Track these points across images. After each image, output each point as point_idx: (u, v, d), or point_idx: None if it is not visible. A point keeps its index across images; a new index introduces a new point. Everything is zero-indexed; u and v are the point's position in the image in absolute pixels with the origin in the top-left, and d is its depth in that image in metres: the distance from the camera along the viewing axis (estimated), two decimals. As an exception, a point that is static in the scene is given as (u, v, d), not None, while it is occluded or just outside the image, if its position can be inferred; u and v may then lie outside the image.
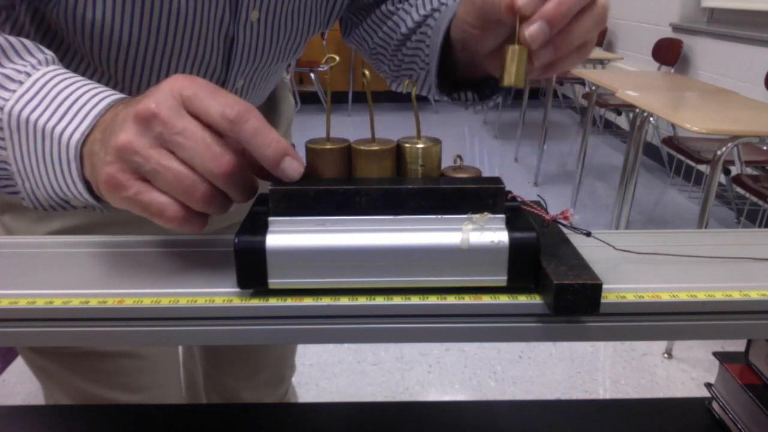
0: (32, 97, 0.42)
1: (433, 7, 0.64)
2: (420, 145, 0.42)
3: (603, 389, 1.83)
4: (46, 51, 0.46)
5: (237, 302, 0.38)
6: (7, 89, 0.43)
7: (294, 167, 0.38)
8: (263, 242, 0.38)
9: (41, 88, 0.42)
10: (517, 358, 1.95)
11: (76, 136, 0.40)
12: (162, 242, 0.49)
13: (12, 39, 0.45)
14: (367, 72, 0.43)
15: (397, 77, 0.71)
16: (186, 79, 0.38)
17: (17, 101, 0.42)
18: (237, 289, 0.39)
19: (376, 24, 0.69)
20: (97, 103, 0.41)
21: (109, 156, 0.38)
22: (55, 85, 0.43)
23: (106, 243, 0.48)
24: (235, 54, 0.59)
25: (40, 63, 0.45)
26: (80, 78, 0.44)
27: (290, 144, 0.39)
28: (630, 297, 0.38)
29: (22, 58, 0.44)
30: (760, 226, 2.78)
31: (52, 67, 0.44)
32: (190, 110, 0.37)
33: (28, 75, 0.43)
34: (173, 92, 0.37)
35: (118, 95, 0.43)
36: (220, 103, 0.37)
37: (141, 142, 0.37)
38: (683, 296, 0.39)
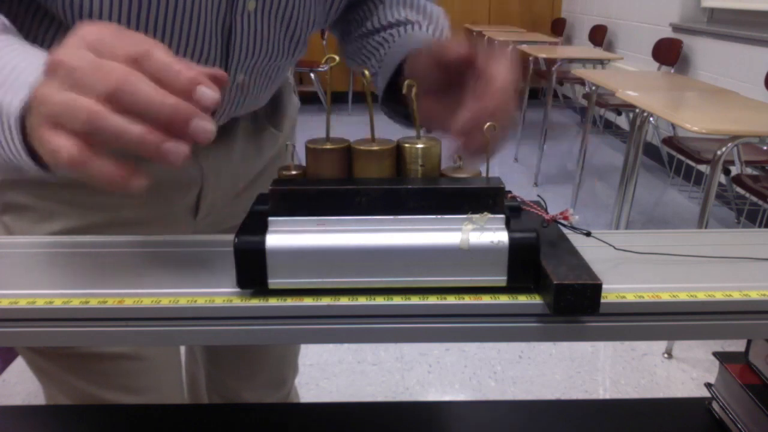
0: None
1: (400, 19, 0.66)
2: (420, 145, 0.42)
3: (603, 389, 1.83)
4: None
5: (237, 302, 0.38)
6: None
7: (208, 95, 0.36)
8: (263, 242, 0.38)
9: None
10: (517, 358, 1.95)
11: (15, 103, 0.40)
12: (162, 242, 0.49)
13: None
14: (367, 72, 0.43)
15: (352, 59, 0.72)
16: (92, 25, 0.37)
17: None
18: (237, 289, 0.39)
19: (352, 7, 0.70)
20: (34, 69, 0.41)
21: (34, 117, 0.37)
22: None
23: (106, 243, 0.48)
24: (233, 46, 0.59)
25: None
26: (19, 45, 0.43)
27: (202, 73, 0.36)
28: (630, 297, 0.38)
29: None
30: (760, 226, 2.78)
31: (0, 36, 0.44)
32: (93, 51, 0.36)
33: None
34: (77, 39, 0.36)
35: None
36: (123, 43, 0.36)
37: (48, 89, 0.36)
38: (683, 296, 0.39)
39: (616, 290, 0.39)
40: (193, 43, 0.57)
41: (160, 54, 0.36)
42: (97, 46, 0.36)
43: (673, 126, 3.05)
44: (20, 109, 0.39)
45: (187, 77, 0.35)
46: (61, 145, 0.35)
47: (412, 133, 0.44)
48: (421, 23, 0.66)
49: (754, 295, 0.39)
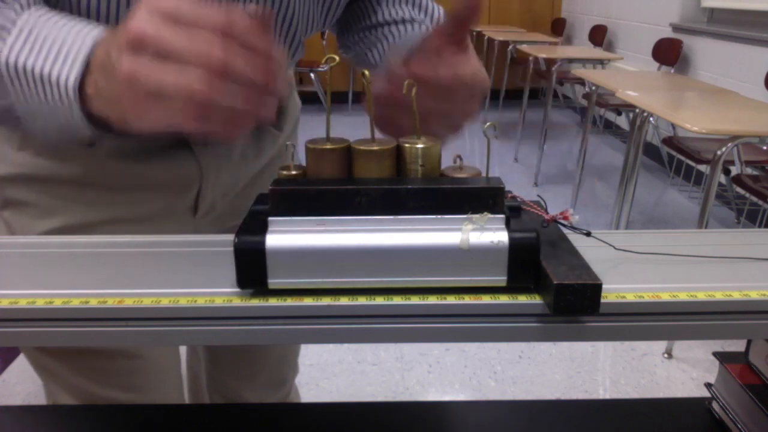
0: (23, 45, 0.44)
1: (404, 17, 0.67)
2: (420, 145, 0.42)
3: (603, 389, 1.83)
4: None
5: (237, 302, 0.38)
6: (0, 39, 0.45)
7: (281, 59, 0.40)
8: (263, 242, 0.38)
9: (29, 34, 0.45)
10: (517, 358, 1.95)
11: (72, 79, 0.43)
12: (162, 242, 0.49)
13: None
14: (366, 72, 0.43)
15: (348, 49, 0.73)
16: None
17: (10, 50, 0.44)
18: (237, 289, 0.39)
19: (352, 2, 0.71)
20: (83, 41, 0.44)
21: (123, 89, 0.39)
22: (41, 28, 0.45)
23: (106, 243, 0.48)
24: None
25: (21, 7, 0.46)
26: (62, 17, 0.46)
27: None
28: (630, 297, 0.38)
29: (4, 2, 0.46)
30: (760, 226, 2.78)
31: (33, 9, 0.46)
32: (176, 24, 0.38)
33: (14, 22, 0.45)
34: (151, 10, 0.38)
35: (98, 30, 0.45)
36: (203, 13, 0.38)
37: (140, 64, 0.37)
38: (683, 296, 0.39)
39: (616, 290, 0.39)
40: None
41: (241, 21, 0.38)
42: (177, 18, 0.38)
43: (673, 126, 3.05)
44: (76, 84, 0.43)
45: (267, 41, 0.38)
46: (172, 120, 0.38)
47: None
48: (424, 22, 0.66)
49: (754, 295, 0.39)
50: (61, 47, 0.44)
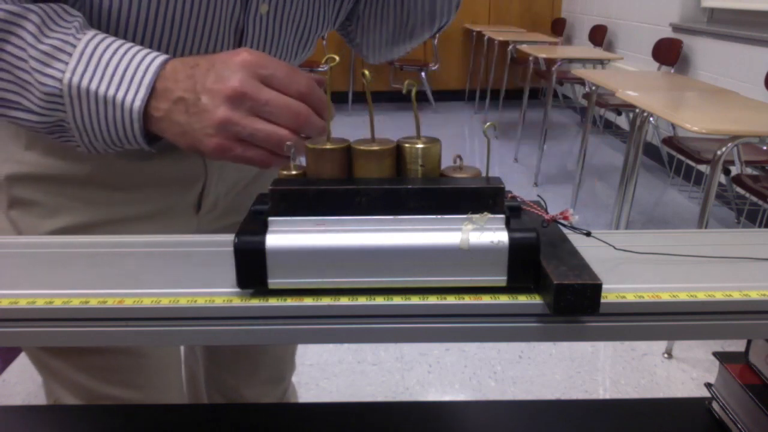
0: (86, 67, 0.48)
1: None
2: (420, 145, 0.42)
3: (603, 389, 1.83)
4: (74, 12, 0.51)
5: (237, 302, 0.38)
6: (60, 60, 0.48)
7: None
8: (263, 242, 0.38)
9: (91, 57, 0.48)
10: (517, 358, 1.95)
11: (137, 103, 0.48)
12: (162, 242, 0.49)
13: (45, 8, 0.49)
14: (367, 72, 0.43)
15: (399, 35, 0.74)
16: (255, 55, 0.48)
17: (73, 73, 0.48)
18: (237, 289, 0.39)
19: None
20: (147, 68, 0.48)
21: (211, 129, 0.47)
22: (102, 52, 0.48)
23: (106, 243, 0.48)
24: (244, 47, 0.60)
25: (77, 30, 0.49)
26: (120, 41, 0.50)
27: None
28: (630, 297, 0.38)
29: (60, 25, 0.49)
30: (760, 226, 2.78)
31: (91, 33, 0.50)
32: (269, 86, 0.48)
33: (74, 45, 0.48)
34: (250, 71, 0.47)
35: (162, 56, 0.49)
36: (293, 81, 0.48)
37: (237, 115, 0.47)
38: (683, 296, 0.39)
39: (616, 290, 0.39)
40: (206, 44, 0.58)
41: (319, 91, 0.49)
42: (272, 82, 0.48)
43: (673, 126, 3.05)
44: (142, 107, 0.48)
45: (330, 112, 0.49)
46: (261, 154, 0.49)
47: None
48: None
49: (754, 295, 0.39)
50: (126, 71, 0.48)
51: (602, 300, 0.37)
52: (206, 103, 0.47)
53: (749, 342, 0.61)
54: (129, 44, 0.50)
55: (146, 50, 0.50)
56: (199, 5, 0.55)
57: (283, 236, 0.38)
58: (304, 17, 0.63)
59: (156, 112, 0.49)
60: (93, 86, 0.48)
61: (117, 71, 0.48)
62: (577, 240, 0.43)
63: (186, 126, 0.48)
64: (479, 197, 0.39)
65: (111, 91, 0.48)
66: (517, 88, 4.91)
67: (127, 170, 0.63)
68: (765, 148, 2.39)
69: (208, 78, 0.47)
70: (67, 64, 0.48)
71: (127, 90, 0.48)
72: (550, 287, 0.36)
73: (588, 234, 0.45)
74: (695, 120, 1.83)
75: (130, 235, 0.50)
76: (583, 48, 4.70)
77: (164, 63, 0.49)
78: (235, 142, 0.48)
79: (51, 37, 0.48)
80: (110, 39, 0.50)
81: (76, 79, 0.47)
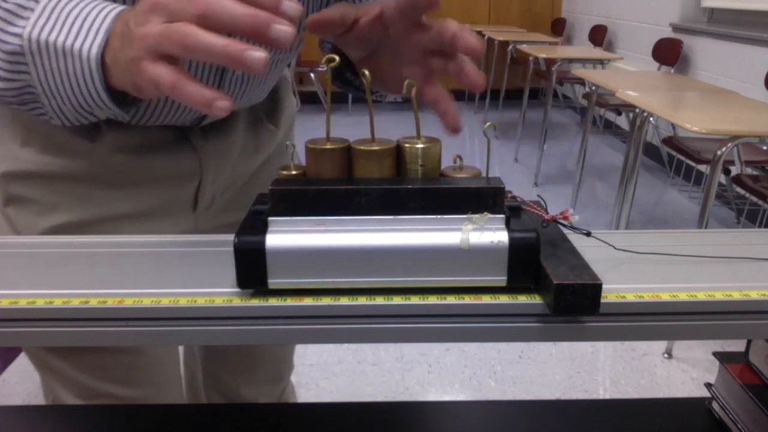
0: (46, 21, 0.46)
1: None
2: (420, 145, 0.42)
3: (603, 389, 1.83)
4: None
5: (237, 302, 0.38)
6: (21, 17, 0.47)
7: (292, 6, 0.40)
8: (263, 242, 0.38)
9: (52, 11, 0.46)
10: (517, 358, 1.95)
11: (95, 49, 0.45)
12: (162, 242, 0.49)
13: None
14: (366, 72, 0.43)
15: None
16: None
17: (33, 26, 0.46)
18: (237, 289, 0.39)
19: None
20: (105, 16, 0.46)
21: (134, 51, 0.41)
22: (64, 6, 0.47)
23: (106, 243, 0.48)
24: None
25: None
26: None
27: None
28: (630, 297, 0.38)
29: None
30: (760, 226, 2.78)
31: None
32: None
33: (37, 1, 0.47)
34: None
35: (120, 7, 0.47)
36: None
37: (148, 27, 0.41)
38: (683, 296, 0.39)
39: (616, 290, 0.39)
40: None
41: None
42: None
43: (673, 126, 3.05)
44: (99, 54, 0.45)
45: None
46: (161, 73, 0.40)
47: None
48: None
49: (754, 295, 0.39)
50: (84, 22, 0.46)
51: (602, 300, 0.37)
52: (132, 28, 0.42)
53: (749, 342, 0.61)
54: None
55: (110, 3, 0.47)
56: None
57: (283, 236, 0.38)
58: None
59: (108, 58, 0.45)
60: (51, 38, 0.46)
61: (76, 21, 0.46)
62: (577, 240, 0.43)
63: (122, 60, 0.44)
64: (479, 197, 0.39)
65: (69, 41, 0.45)
66: (517, 88, 4.91)
67: (122, 167, 0.63)
68: (765, 148, 2.39)
69: (140, 5, 0.43)
70: (28, 19, 0.46)
71: (85, 38, 0.45)
72: (550, 287, 0.36)
73: (588, 234, 0.45)
74: (695, 120, 1.83)
75: (128, 233, 0.50)
76: (583, 48, 4.70)
77: (120, 12, 0.46)
78: (152, 60, 0.41)
79: None
80: None
81: (35, 33, 0.46)
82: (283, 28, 0.38)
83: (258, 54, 0.38)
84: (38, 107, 0.50)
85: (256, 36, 0.39)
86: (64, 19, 0.46)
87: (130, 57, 0.42)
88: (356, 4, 0.56)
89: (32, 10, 0.47)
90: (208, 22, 0.39)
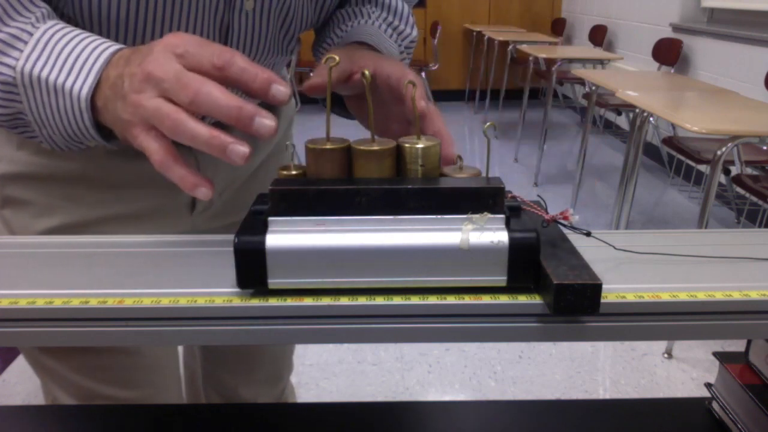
0: (39, 55, 0.47)
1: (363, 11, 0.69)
2: (420, 145, 0.42)
3: (603, 389, 1.83)
4: (40, 3, 0.50)
5: (237, 302, 0.38)
6: (15, 48, 0.47)
7: (281, 91, 0.42)
8: (263, 242, 0.38)
9: (45, 45, 0.47)
10: (517, 358, 1.95)
11: (85, 90, 0.46)
12: (162, 242, 0.49)
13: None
14: (366, 72, 0.43)
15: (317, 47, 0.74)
16: (176, 37, 0.43)
17: (26, 60, 0.47)
18: (237, 289, 0.39)
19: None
20: (97, 57, 0.46)
21: (129, 115, 0.43)
22: (57, 41, 0.47)
23: (106, 243, 0.48)
24: (230, 44, 0.60)
25: (38, 19, 0.49)
26: (78, 31, 0.48)
27: (274, 74, 0.42)
28: (630, 297, 0.38)
29: (22, 15, 0.48)
30: (760, 226, 2.78)
31: (50, 23, 0.49)
32: (186, 65, 0.42)
33: (31, 34, 0.47)
34: (164, 49, 0.42)
35: (114, 46, 0.47)
36: (208, 53, 0.42)
37: (144, 97, 0.42)
38: (683, 296, 0.39)
39: (616, 290, 0.39)
40: None
41: (240, 61, 0.42)
42: (185, 56, 0.42)
43: (673, 126, 3.05)
44: (89, 95, 0.46)
45: (263, 78, 0.41)
46: (152, 147, 0.42)
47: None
48: (371, 15, 0.69)
49: (754, 295, 0.39)
50: (76, 60, 0.46)
51: (602, 300, 0.37)
52: (126, 88, 0.43)
53: (749, 342, 0.61)
54: (87, 34, 0.48)
55: (102, 40, 0.48)
56: (181, 1, 0.55)
57: (283, 236, 0.38)
58: (289, 13, 0.63)
59: (99, 101, 0.46)
60: (44, 74, 0.46)
61: (69, 59, 0.46)
62: (577, 240, 0.43)
63: (114, 113, 0.45)
64: (479, 197, 0.39)
65: (60, 79, 0.46)
66: (517, 88, 4.90)
67: (118, 169, 0.63)
68: (765, 148, 2.39)
69: (134, 62, 0.44)
70: (21, 51, 0.47)
71: (76, 78, 0.46)
72: (550, 287, 0.36)
73: (588, 234, 0.45)
74: (695, 120, 1.83)
75: (126, 234, 0.50)
76: (583, 48, 4.70)
77: (116, 51, 0.47)
78: (145, 130, 0.43)
79: (10, 26, 0.47)
80: (69, 29, 0.48)
81: (28, 67, 0.46)
82: (265, 122, 0.40)
83: (241, 149, 0.41)
84: (30, 131, 0.51)
85: (239, 127, 0.41)
86: (57, 55, 0.47)
87: (124, 119, 0.43)
88: (351, 52, 0.58)
89: (25, 42, 0.47)
90: (197, 108, 0.41)
